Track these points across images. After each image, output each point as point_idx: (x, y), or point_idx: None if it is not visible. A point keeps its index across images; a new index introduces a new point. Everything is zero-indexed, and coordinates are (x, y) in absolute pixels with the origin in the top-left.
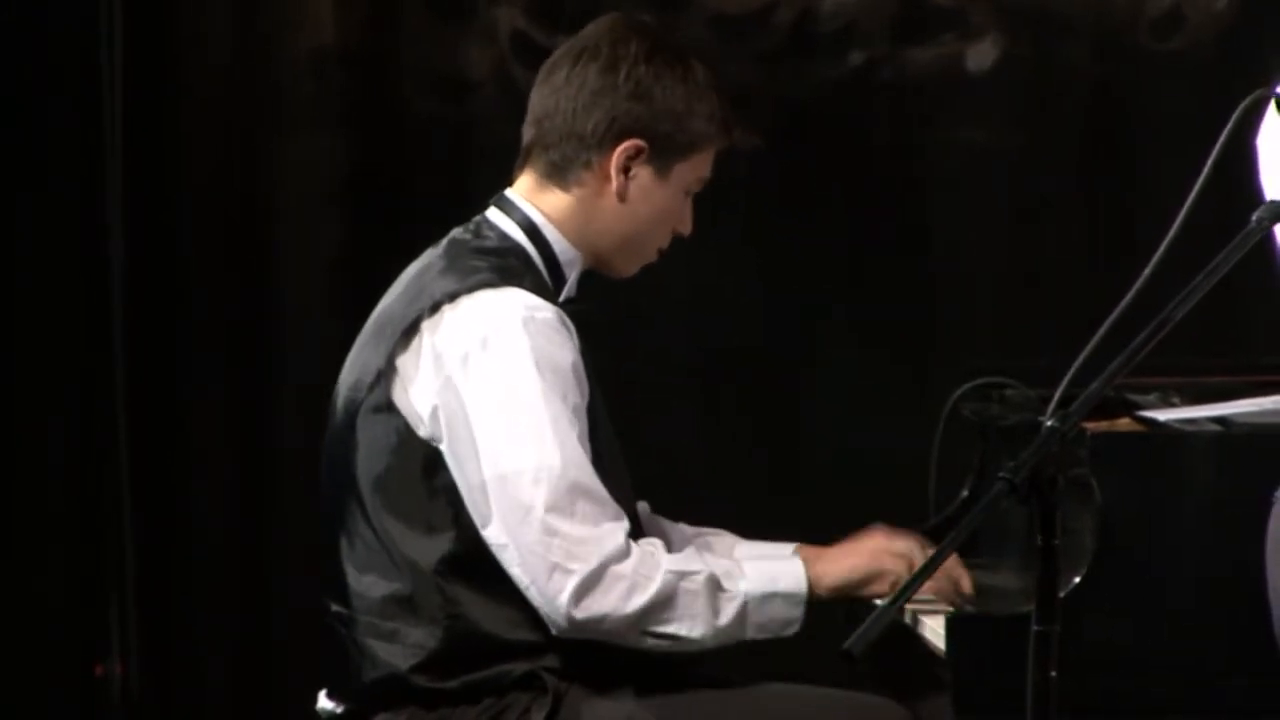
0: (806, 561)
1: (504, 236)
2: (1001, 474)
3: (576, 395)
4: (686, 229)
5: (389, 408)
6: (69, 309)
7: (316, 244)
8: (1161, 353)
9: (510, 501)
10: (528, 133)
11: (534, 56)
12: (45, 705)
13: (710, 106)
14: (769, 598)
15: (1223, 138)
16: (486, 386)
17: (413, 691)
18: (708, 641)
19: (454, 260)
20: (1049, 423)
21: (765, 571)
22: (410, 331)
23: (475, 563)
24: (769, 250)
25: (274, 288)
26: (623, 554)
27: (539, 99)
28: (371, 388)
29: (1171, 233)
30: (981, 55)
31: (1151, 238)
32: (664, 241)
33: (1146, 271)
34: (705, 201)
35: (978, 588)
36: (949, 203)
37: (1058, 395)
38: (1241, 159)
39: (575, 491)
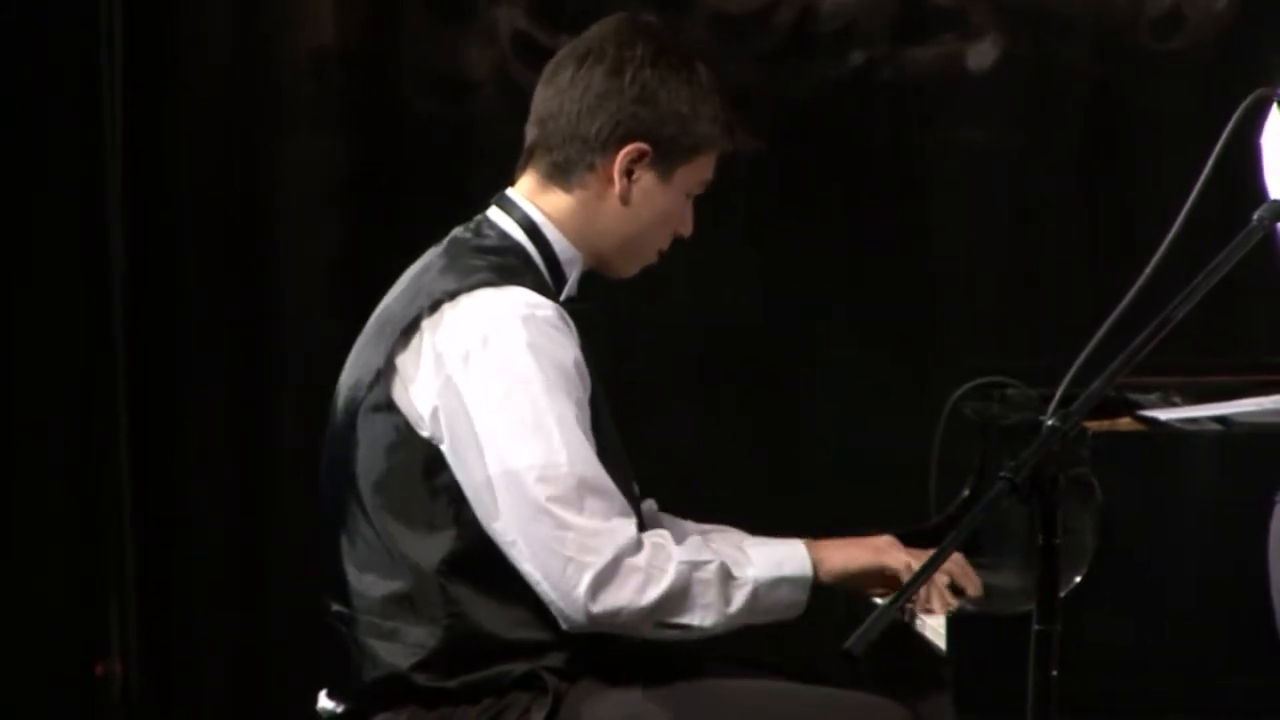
0: (809, 545)
1: (504, 236)
2: (1002, 473)
3: (579, 391)
4: (687, 231)
5: (389, 406)
6: (69, 309)
7: (316, 244)
8: (1162, 352)
9: (519, 498)
10: (531, 133)
11: (535, 56)
12: (45, 705)
13: (714, 110)
14: (777, 583)
15: (1224, 137)
16: (488, 384)
17: (413, 691)
18: (718, 630)
19: (454, 259)
20: (1050, 422)
21: (771, 556)
22: (410, 330)
23: (476, 562)
24: (769, 250)
25: (274, 288)
26: (635, 546)
27: (543, 100)
28: (371, 386)
29: (1172, 232)
30: (981, 55)
31: (1151, 238)
32: (664, 243)
33: (1147, 271)
34: (705, 201)
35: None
36: (949, 203)
37: (1059, 395)
38: (1242, 159)
39: (583, 487)
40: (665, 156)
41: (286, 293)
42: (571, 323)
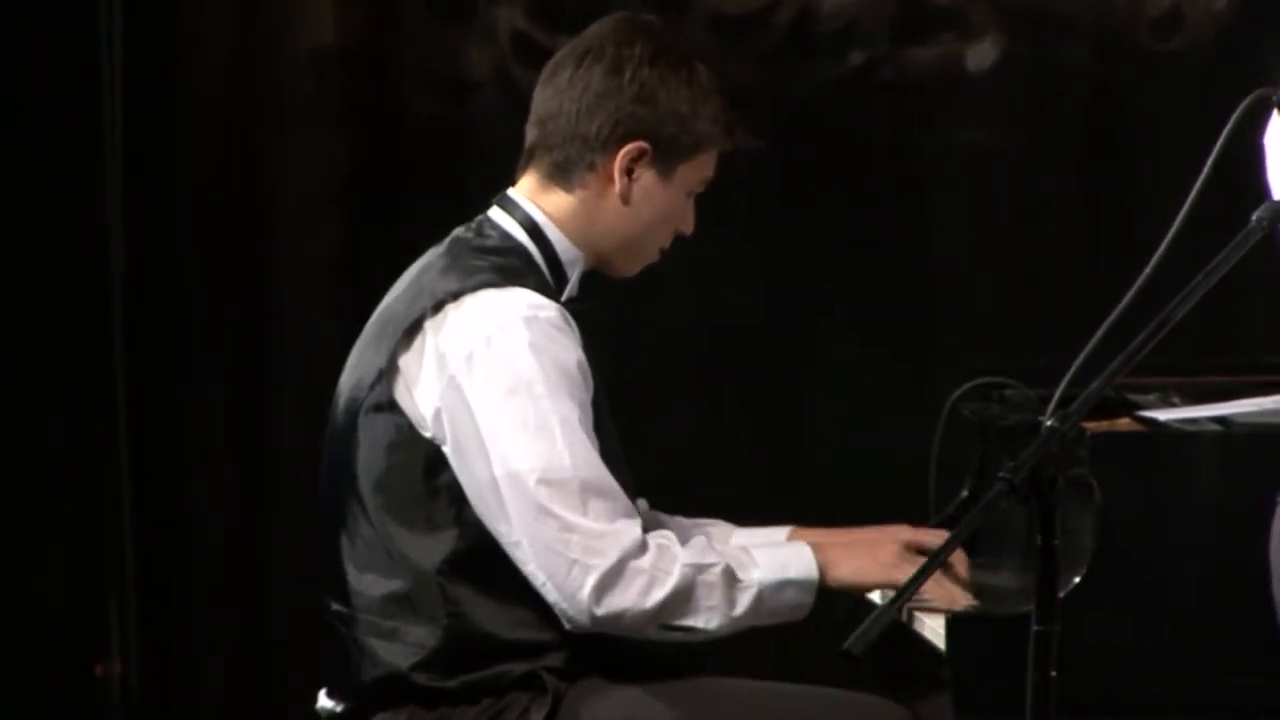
0: (814, 547)
1: (506, 236)
2: (1001, 474)
3: (582, 392)
4: (689, 229)
5: (391, 406)
6: (69, 309)
7: (316, 244)
8: (1162, 352)
9: (523, 500)
10: (531, 133)
11: (534, 56)
12: (45, 705)
13: (714, 108)
14: (782, 585)
15: (1223, 137)
16: (492, 385)
17: (413, 690)
18: (723, 632)
19: (456, 259)
20: (1049, 423)
21: (776, 559)
22: (413, 331)
23: (476, 562)
24: (769, 250)
25: (274, 288)
26: (640, 549)
27: (542, 100)
28: (373, 386)
29: (1172, 232)
30: (981, 55)
31: (1151, 238)
32: (666, 242)
33: (1147, 271)
34: (706, 201)
35: (978, 588)
36: (949, 203)
37: (1058, 395)
38: (1242, 159)
39: (587, 489)
40: (665, 155)
41: (286, 293)
42: (574, 323)
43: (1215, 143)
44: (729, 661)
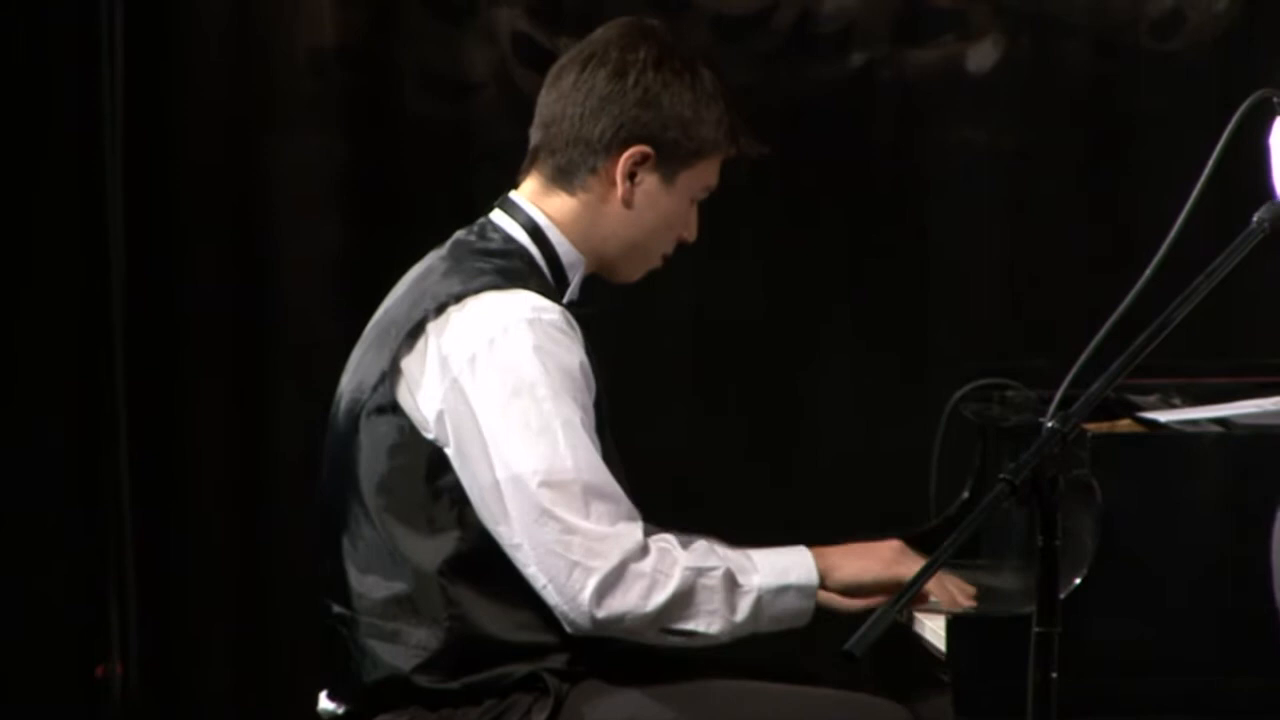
0: (815, 553)
1: (508, 238)
2: (1002, 475)
3: (584, 394)
4: (691, 235)
5: (393, 408)
6: (69, 308)
7: (316, 244)
8: (1162, 354)
9: (525, 502)
10: (534, 136)
11: (535, 57)
12: (46, 706)
13: (717, 114)
14: (782, 590)
15: (1224, 138)
16: (494, 387)
17: (415, 692)
18: (724, 637)
19: (458, 262)
20: (1050, 424)
21: (776, 564)
22: (416, 333)
23: (478, 564)
24: (769, 251)
25: (273, 288)
26: (641, 552)
27: (546, 103)
28: (375, 389)
29: (1172, 233)
30: (981, 55)
31: (1151, 238)
32: (668, 247)
33: (1147, 272)
34: (706, 201)
35: (979, 589)
36: (949, 203)
37: (1058, 396)
38: (1242, 159)
39: (589, 492)
40: (668, 160)
41: (286, 293)
42: (577, 326)
43: (1215, 143)
44: (729, 663)
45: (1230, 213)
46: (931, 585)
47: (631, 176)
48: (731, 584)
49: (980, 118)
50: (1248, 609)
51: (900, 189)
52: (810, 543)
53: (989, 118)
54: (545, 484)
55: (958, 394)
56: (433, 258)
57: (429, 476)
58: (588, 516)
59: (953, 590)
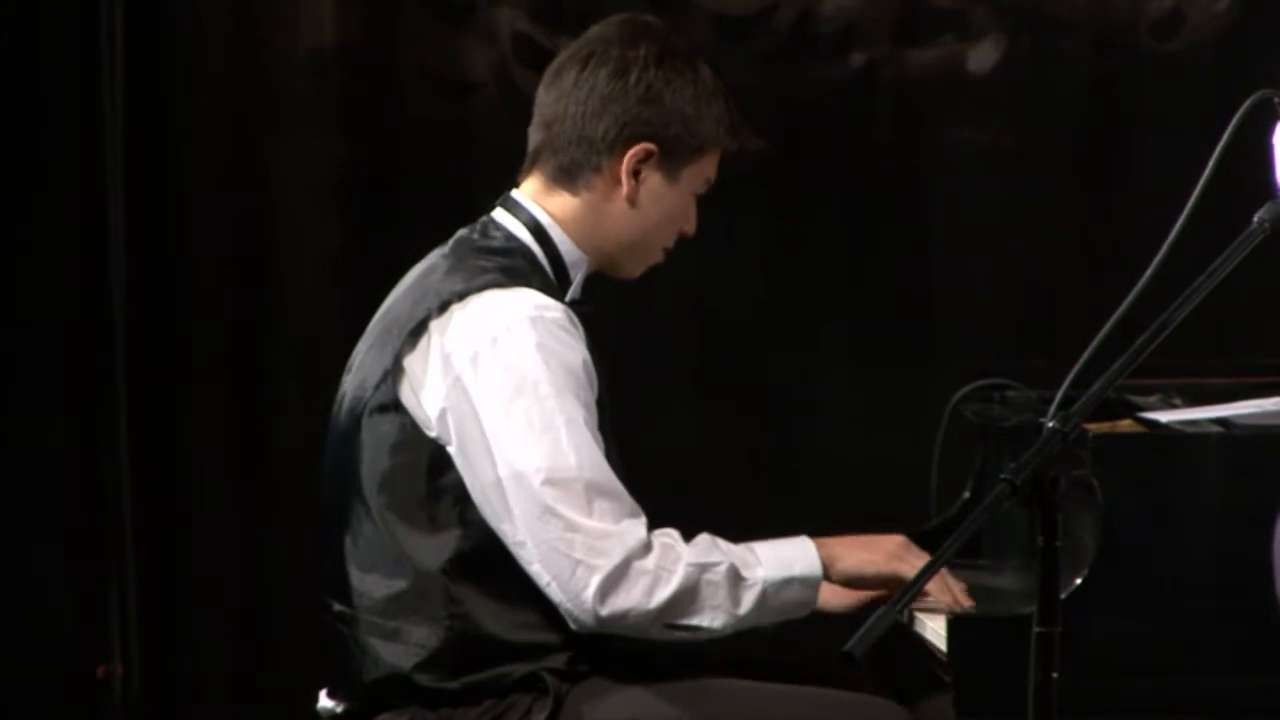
0: (818, 544)
1: (510, 237)
2: (1003, 475)
3: (587, 392)
4: (691, 229)
5: (395, 407)
6: (69, 308)
7: (316, 244)
8: (1163, 354)
9: (528, 500)
10: (535, 136)
11: (535, 57)
12: (47, 707)
13: (718, 109)
14: (786, 583)
15: (1224, 138)
16: (497, 385)
17: (415, 691)
18: (727, 630)
19: (461, 260)
20: (1050, 424)
21: (779, 557)
22: (418, 331)
23: (479, 563)
24: (769, 251)
25: (274, 288)
26: (645, 548)
27: (547, 102)
28: (377, 387)
29: (1173, 234)
30: (981, 55)
31: (1152, 238)
32: (670, 242)
33: (1148, 273)
34: (706, 201)
35: (980, 589)
36: (949, 203)
37: (1059, 396)
38: (1243, 159)
39: (592, 489)
40: (671, 157)
41: (286, 293)
42: (579, 324)
43: (1215, 143)
44: (730, 663)
45: (1230, 213)
46: (932, 585)
47: (635, 174)
48: (735, 578)
49: (980, 118)
50: (1248, 609)
51: (900, 189)
52: None
53: (989, 118)
54: (548, 482)
55: (958, 394)
56: (435, 256)
57: (431, 475)
58: (591, 514)
59: (953, 590)
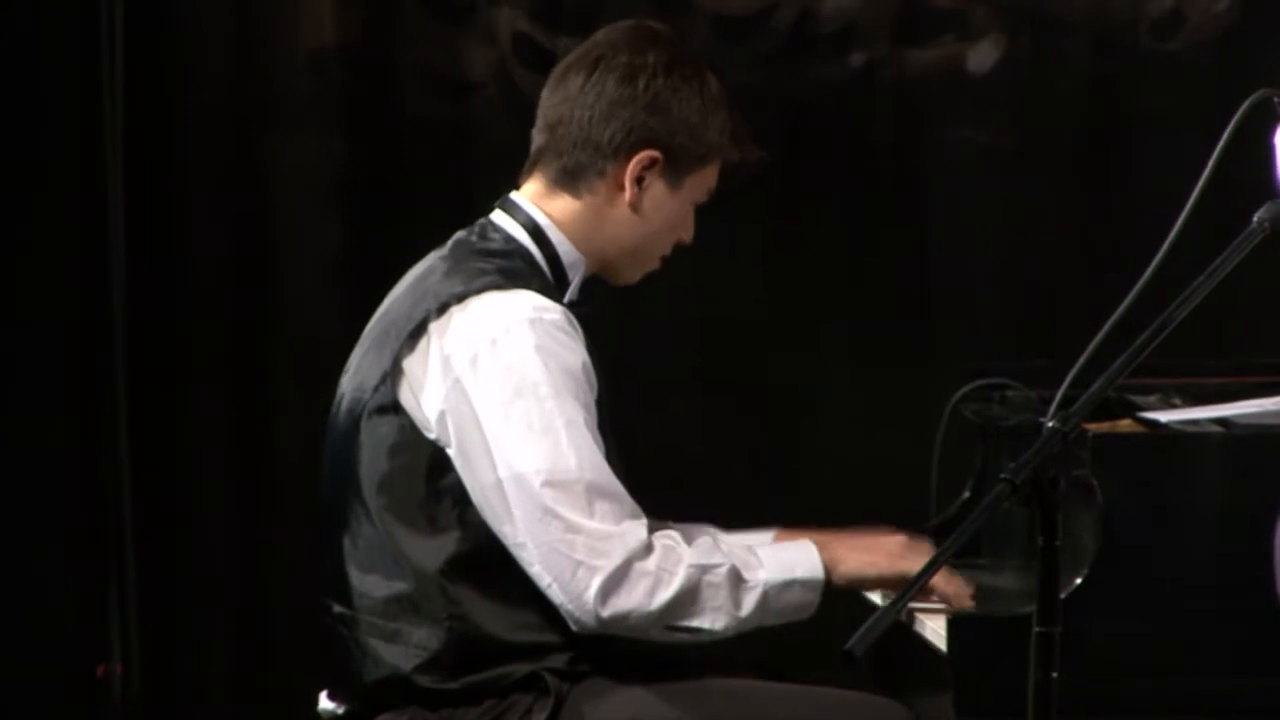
0: (819, 545)
1: (509, 239)
2: (1003, 475)
3: (587, 394)
4: (689, 237)
5: (395, 408)
6: (69, 308)
7: (316, 244)
8: (1163, 353)
9: (528, 501)
10: (539, 137)
11: (535, 57)
12: (46, 705)
13: (723, 119)
14: (788, 585)
15: (1225, 138)
16: (496, 387)
17: (415, 692)
18: (729, 632)
19: (459, 262)
20: (1050, 424)
21: (781, 559)
22: (417, 333)
23: (479, 563)
24: (769, 251)
25: (274, 288)
26: (645, 550)
27: (551, 105)
28: (376, 389)
29: (1173, 233)
30: (981, 55)
31: (1152, 238)
32: (667, 250)
33: (1147, 272)
34: (706, 201)
35: (980, 589)
36: (949, 203)
37: (1059, 396)
38: (1243, 159)
39: (592, 491)
40: (675, 165)
41: (286, 293)
42: (578, 325)
43: (1215, 143)
44: (730, 663)
45: (1230, 213)
46: (937, 578)
47: (639, 181)
48: (736, 580)
49: (980, 118)
50: (1248, 609)
51: (900, 189)
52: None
53: (989, 118)
54: (548, 483)
55: (958, 394)
56: (433, 258)
57: (430, 476)
58: (591, 515)
59: (954, 589)
